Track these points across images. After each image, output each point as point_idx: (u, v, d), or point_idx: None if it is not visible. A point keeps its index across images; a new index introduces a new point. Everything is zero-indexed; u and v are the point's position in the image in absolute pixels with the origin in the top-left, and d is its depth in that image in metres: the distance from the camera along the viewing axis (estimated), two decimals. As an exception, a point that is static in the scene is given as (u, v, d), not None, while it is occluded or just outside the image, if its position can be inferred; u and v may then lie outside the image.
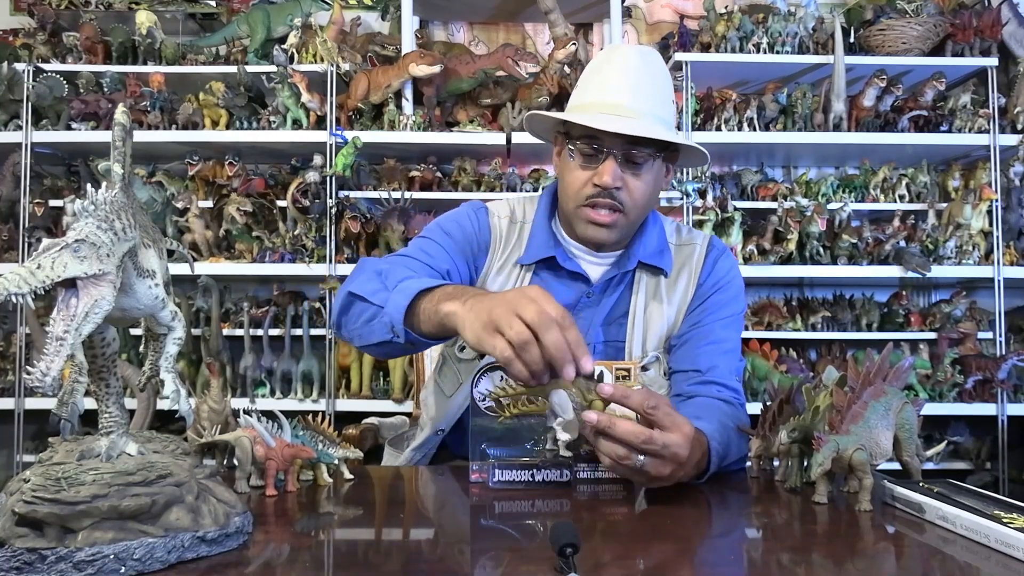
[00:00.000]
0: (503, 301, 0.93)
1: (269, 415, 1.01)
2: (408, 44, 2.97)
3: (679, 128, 2.84)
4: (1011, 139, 2.87)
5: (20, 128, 2.82)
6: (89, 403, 0.80)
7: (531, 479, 1.03)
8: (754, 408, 1.32)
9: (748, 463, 1.16)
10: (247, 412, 0.99)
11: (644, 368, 1.33)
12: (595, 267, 1.36)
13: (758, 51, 2.86)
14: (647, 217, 1.38)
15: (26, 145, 2.81)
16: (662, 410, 0.94)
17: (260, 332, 2.81)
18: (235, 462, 0.97)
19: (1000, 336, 2.85)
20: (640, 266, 1.35)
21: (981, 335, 2.86)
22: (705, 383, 1.30)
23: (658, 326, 1.33)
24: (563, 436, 0.88)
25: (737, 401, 1.31)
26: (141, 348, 0.91)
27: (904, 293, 2.97)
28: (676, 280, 1.37)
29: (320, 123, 2.83)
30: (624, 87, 1.25)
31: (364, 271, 1.23)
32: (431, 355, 1.81)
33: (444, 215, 1.45)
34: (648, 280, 1.36)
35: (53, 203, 2.86)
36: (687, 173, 2.82)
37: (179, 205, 2.80)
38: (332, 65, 2.84)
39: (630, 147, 1.24)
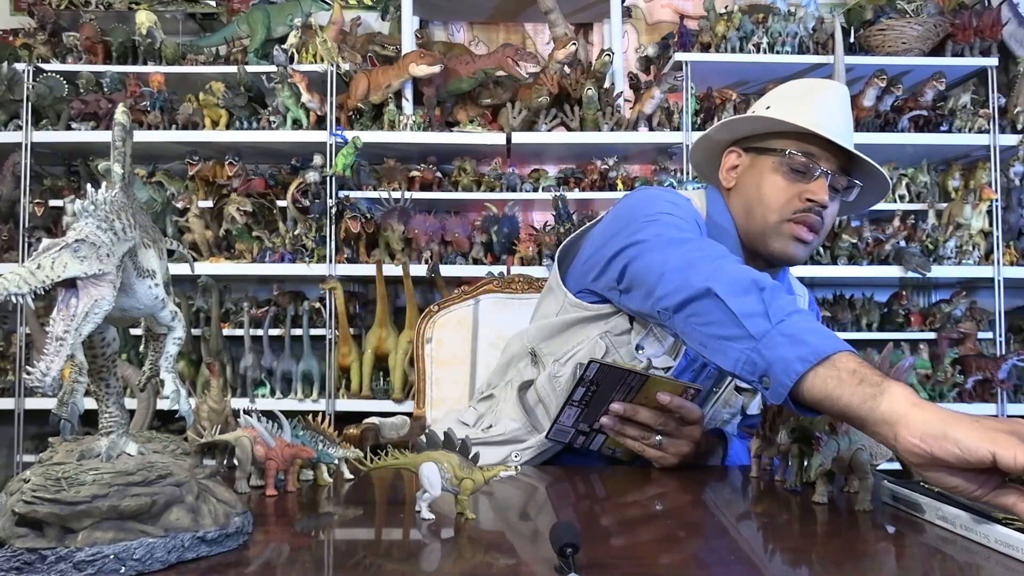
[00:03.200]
0: (1002, 425, 0.79)
1: (269, 415, 1.01)
2: (408, 44, 2.97)
3: (677, 127, 2.84)
4: (1011, 139, 2.87)
5: (20, 128, 2.82)
6: (89, 403, 0.80)
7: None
8: (754, 408, 1.33)
9: (748, 463, 1.17)
10: (247, 412, 0.99)
11: (739, 391, 1.34)
12: None
13: (758, 51, 2.86)
14: None
15: (26, 145, 2.81)
16: (688, 407, 1.14)
17: (260, 332, 2.81)
18: (235, 462, 0.97)
19: (1000, 336, 2.85)
20: None
21: (981, 335, 2.86)
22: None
23: None
24: (426, 513, 0.86)
25: None
26: (141, 348, 0.91)
27: (904, 293, 2.97)
28: None
29: (320, 123, 2.83)
30: (840, 118, 1.28)
31: (710, 258, 1.04)
32: (431, 355, 1.81)
33: (669, 198, 1.27)
34: None
35: (53, 203, 2.86)
36: (687, 173, 2.81)
37: (179, 205, 2.80)
38: (332, 65, 2.84)
39: (839, 172, 1.26)
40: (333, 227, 2.80)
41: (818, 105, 1.27)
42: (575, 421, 1.20)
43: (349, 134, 2.77)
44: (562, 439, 1.22)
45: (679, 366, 1.26)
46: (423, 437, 0.92)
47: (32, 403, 2.79)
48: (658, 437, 1.14)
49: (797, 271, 2.80)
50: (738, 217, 1.32)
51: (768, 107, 1.32)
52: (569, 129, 2.86)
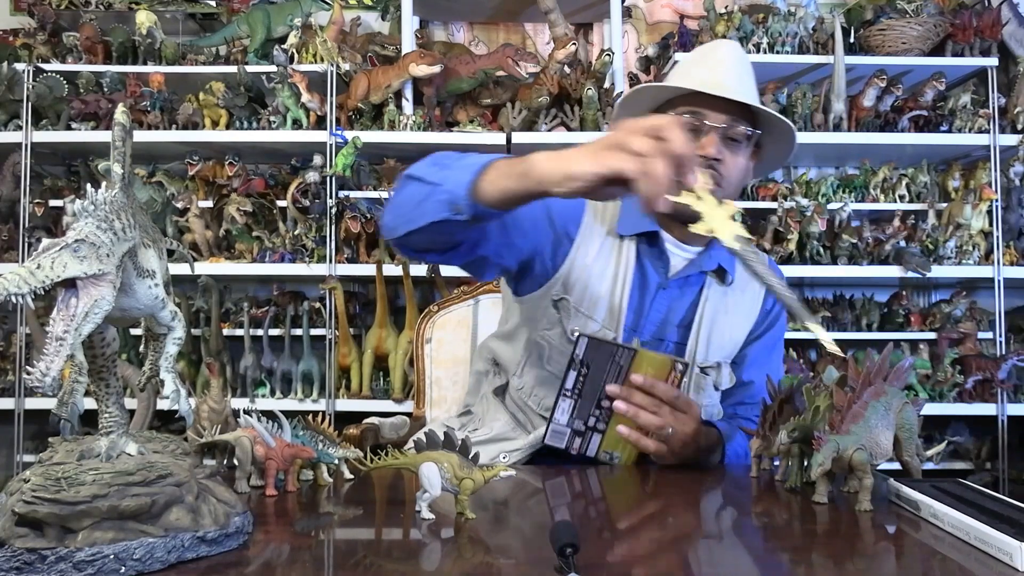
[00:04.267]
0: (614, 131, 0.89)
1: (269, 415, 1.01)
2: (408, 44, 2.97)
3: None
4: (1011, 139, 2.86)
5: (20, 128, 2.82)
6: (89, 403, 0.80)
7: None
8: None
9: (748, 463, 1.17)
10: (247, 412, 0.99)
11: (704, 372, 1.36)
12: (676, 259, 1.35)
13: (758, 51, 2.86)
14: None
15: (26, 145, 2.81)
16: (683, 397, 1.17)
17: (260, 332, 2.81)
18: (235, 462, 0.97)
19: (1000, 336, 2.84)
20: (709, 272, 1.36)
21: (981, 335, 2.86)
22: (747, 399, 1.39)
23: (722, 338, 1.35)
24: (426, 513, 0.86)
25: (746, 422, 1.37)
26: (141, 348, 0.91)
27: (904, 293, 2.96)
28: (742, 295, 1.38)
29: (320, 123, 2.83)
30: (730, 71, 1.30)
31: (428, 159, 1.15)
32: (431, 355, 1.81)
33: None
34: (716, 288, 1.36)
35: (53, 203, 2.86)
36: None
37: (179, 205, 2.80)
38: (332, 65, 2.84)
39: (732, 123, 1.27)
40: (333, 227, 2.79)
41: (711, 64, 1.31)
42: (570, 418, 1.20)
43: (349, 134, 2.77)
44: (558, 444, 1.22)
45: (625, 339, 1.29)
46: (422, 437, 0.92)
47: (32, 403, 2.79)
48: (671, 428, 1.15)
49: (796, 271, 2.83)
50: None
51: (672, 72, 1.38)
52: (569, 129, 2.86)
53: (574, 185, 0.89)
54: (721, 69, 1.30)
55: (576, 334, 1.18)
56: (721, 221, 0.89)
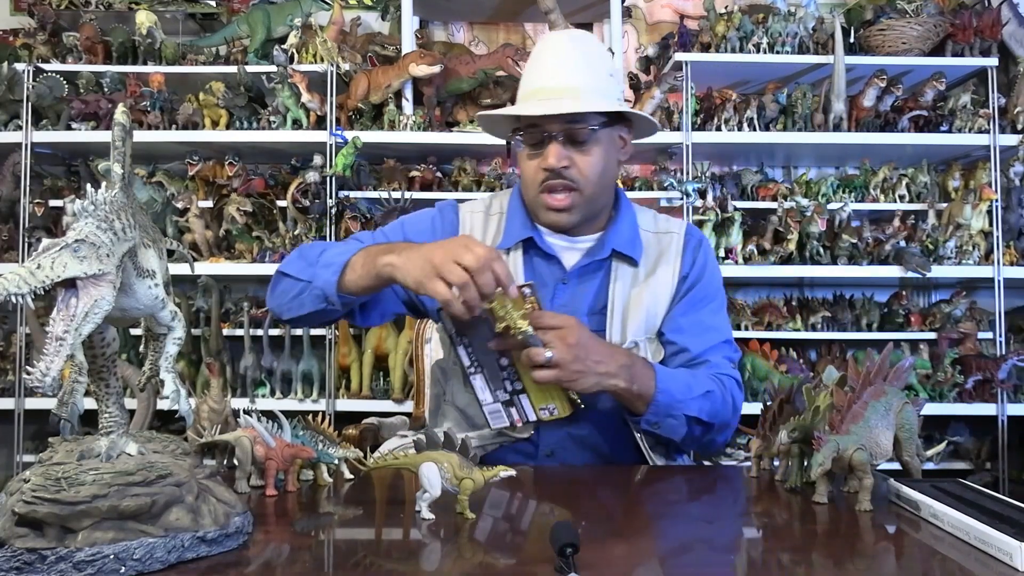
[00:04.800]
0: (439, 249, 1.09)
1: (269, 415, 1.01)
2: (408, 44, 2.97)
3: (677, 127, 2.84)
4: (1011, 139, 2.86)
5: (20, 128, 2.82)
6: (89, 403, 0.80)
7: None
8: (754, 408, 1.32)
9: (748, 463, 1.17)
10: (247, 412, 0.99)
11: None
12: (570, 253, 1.38)
13: (758, 51, 2.86)
14: (620, 204, 1.41)
15: (26, 145, 2.81)
16: (547, 314, 1.19)
17: (260, 332, 2.81)
18: (235, 462, 0.97)
19: (1000, 336, 2.84)
20: (615, 256, 1.36)
21: (981, 335, 2.86)
22: (696, 364, 1.34)
23: (638, 315, 1.34)
24: (426, 514, 0.87)
25: (728, 377, 1.33)
26: (141, 348, 0.91)
27: (904, 293, 2.96)
28: (655, 269, 1.38)
29: (320, 123, 2.83)
30: (555, 70, 1.29)
31: (294, 253, 1.33)
32: (431, 355, 1.81)
33: (411, 215, 1.48)
34: (624, 269, 1.37)
35: (53, 203, 2.86)
36: (687, 173, 2.81)
37: (179, 205, 2.80)
38: (332, 65, 2.84)
39: (570, 125, 1.26)
40: (333, 227, 2.79)
41: (536, 71, 1.32)
42: (491, 392, 1.24)
43: (349, 134, 2.77)
44: (502, 422, 1.25)
45: None
46: (422, 437, 0.92)
47: (32, 403, 2.79)
48: (548, 353, 1.13)
49: (796, 271, 2.83)
50: (523, 196, 1.39)
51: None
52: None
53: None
54: (548, 72, 1.30)
55: (438, 310, 1.22)
56: (515, 319, 1.12)
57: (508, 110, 1.33)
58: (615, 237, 1.36)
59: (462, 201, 1.50)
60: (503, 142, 2.79)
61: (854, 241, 2.80)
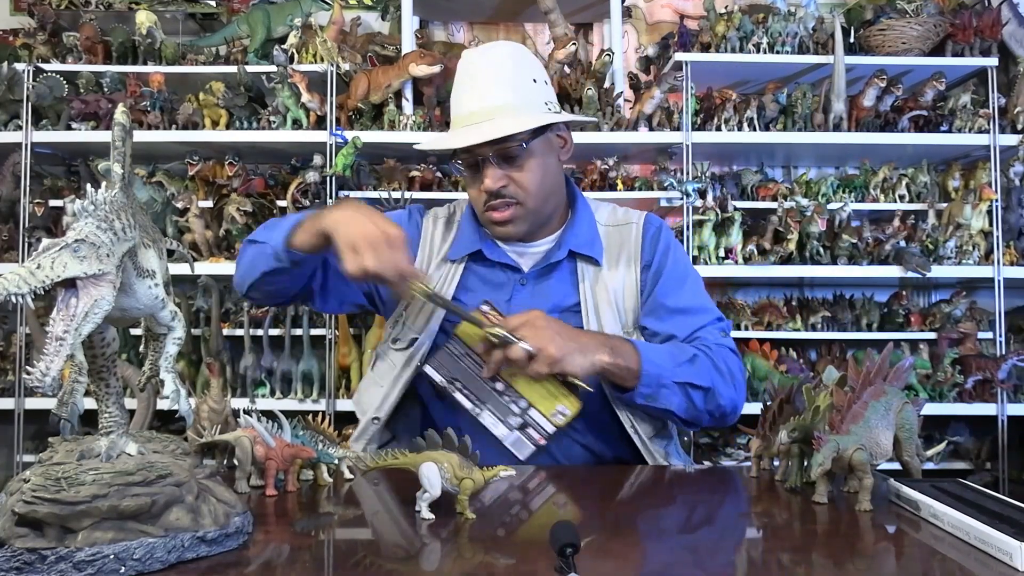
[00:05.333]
0: (363, 236, 1.13)
1: (269, 415, 1.01)
2: (408, 44, 2.97)
3: (677, 127, 2.84)
4: (1011, 139, 2.86)
5: (20, 128, 2.81)
6: (89, 403, 0.80)
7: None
8: (754, 408, 1.32)
9: (748, 463, 1.17)
10: (247, 412, 0.99)
11: None
12: (525, 258, 1.41)
13: (758, 51, 2.86)
14: (577, 203, 1.44)
15: (26, 145, 2.81)
16: (512, 316, 1.21)
17: (260, 332, 2.81)
18: (235, 462, 0.97)
19: (1000, 336, 2.84)
20: (576, 256, 1.38)
21: (981, 335, 2.86)
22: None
23: (609, 312, 1.35)
24: (426, 514, 0.87)
25: (719, 346, 1.34)
26: (141, 348, 0.91)
27: (904, 293, 2.96)
28: (617, 262, 1.39)
29: (320, 123, 2.83)
30: (473, 93, 1.32)
31: (261, 226, 1.39)
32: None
33: (390, 214, 1.52)
34: (588, 268, 1.38)
35: (53, 203, 2.86)
36: (687, 174, 2.81)
37: (179, 205, 2.80)
38: (332, 65, 2.84)
39: (497, 147, 1.29)
40: (333, 227, 2.79)
41: (458, 95, 1.35)
42: (503, 423, 1.24)
43: (349, 134, 2.77)
44: (527, 450, 1.24)
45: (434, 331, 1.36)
46: (421, 438, 0.92)
47: (32, 403, 2.79)
48: (525, 344, 1.16)
49: (796, 271, 2.82)
50: None
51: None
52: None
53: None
54: (468, 96, 1.32)
55: (422, 370, 1.27)
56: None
57: (426, 145, 1.38)
58: (572, 238, 1.39)
59: (438, 204, 1.55)
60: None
61: (854, 241, 2.80)
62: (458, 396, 1.24)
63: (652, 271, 1.39)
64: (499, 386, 1.23)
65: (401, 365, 1.37)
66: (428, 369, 1.25)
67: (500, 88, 1.31)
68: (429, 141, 1.44)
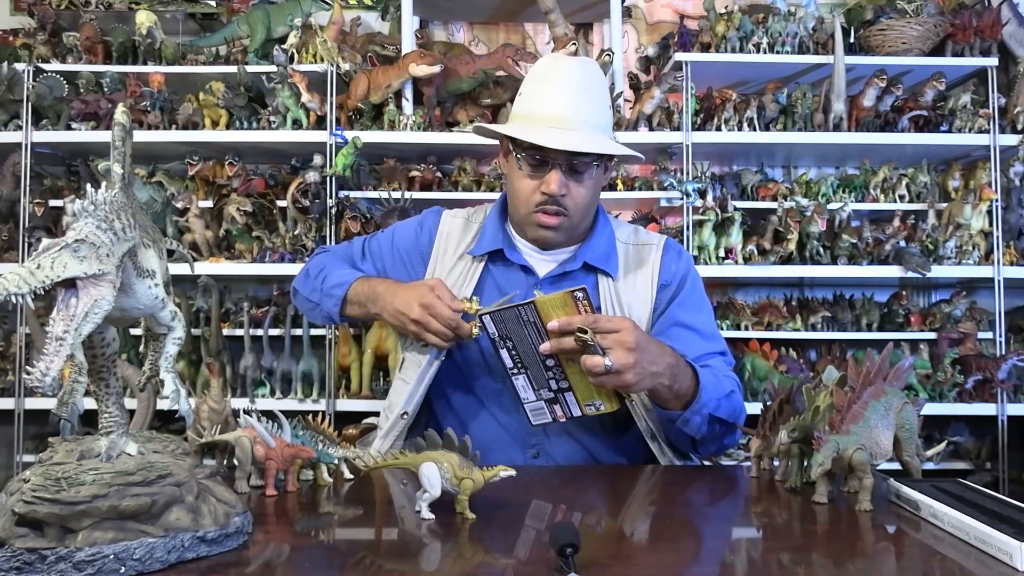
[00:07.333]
0: (401, 308, 1.32)
1: (269, 415, 1.01)
2: (408, 44, 2.97)
3: (677, 127, 2.84)
4: (1011, 139, 2.86)
5: (20, 128, 2.81)
6: (89, 403, 0.80)
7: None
8: (754, 408, 1.32)
9: (748, 463, 1.17)
10: (247, 412, 0.99)
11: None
12: (542, 263, 1.44)
13: (758, 51, 2.86)
14: (597, 220, 1.46)
15: (26, 145, 2.81)
16: (603, 317, 1.19)
17: (260, 332, 2.81)
18: (235, 462, 0.97)
19: (1000, 336, 2.84)
20: (591, 269, 1.41)
21: (981, 335, 2.86)
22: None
23: None
24: (426, 514, 0.87)
25: (730, 377, 1.36)
26: (141, 348, 0.91)
27: (904, 293, 2.96)
28: (634, 278, 1.43)
29: (320, 123, 2.83)
30: (566, 100, 1.32)
31: (302, 272, 1.55)
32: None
33: (403, 223, 1.60)
34: (603, 281, 1.41)
35: (53, 203, 2.86)
36: (687, 173, 2.81)
37: (179, 205, 2.80)
38: (332, 65, 2.84)
39: (573, 158, 1.31)
40: (333, 227, 2.79)
41: (543, 96, 1.34)
42: (534, 391, 1.26)
43: (349, 134, 2.77)
44: (544, 419, 1.27)
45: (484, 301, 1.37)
46: (421, 439, 0.92)
47: (32, 403, 2.79)
48: (608, 361, 1.14)
49: (796, 271, 2.82)
50: (509, 208, 1.46)
51: (520, 93, 1.39)
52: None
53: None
54: (559, 100, 1.32)
55: (476, 311, 1.26)
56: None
57: (521, 134, 1.32)
58: (589, 252, 1.42)
59: (451, 206, 1.57)
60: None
61: (854, 241, 2.80)
62: (503, 353, 1.24)
63: (670, 291, 1.42)
64: (549, 361, 1.23)
65: (426, 362, 1.40)
66: (486, 319, 1.23)
67: (590, 104, 1.33)
68: (509, 129, 1.36)
